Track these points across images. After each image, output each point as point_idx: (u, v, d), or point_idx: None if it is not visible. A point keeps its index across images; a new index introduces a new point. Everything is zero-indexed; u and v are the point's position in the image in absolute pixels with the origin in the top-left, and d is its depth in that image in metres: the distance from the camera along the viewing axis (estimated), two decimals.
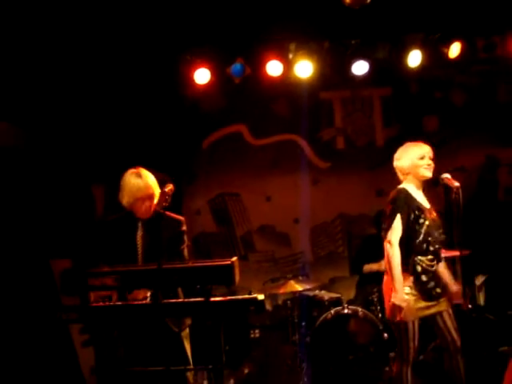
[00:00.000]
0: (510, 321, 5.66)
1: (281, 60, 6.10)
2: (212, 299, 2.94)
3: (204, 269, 3.02)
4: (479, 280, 6.34)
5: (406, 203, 3.80)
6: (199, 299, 2.97)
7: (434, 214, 3.92)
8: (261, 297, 2.93)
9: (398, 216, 3.76)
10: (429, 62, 6.21)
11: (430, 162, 3.88)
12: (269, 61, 6.08)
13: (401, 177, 3.96)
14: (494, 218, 6.51)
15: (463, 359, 3.87)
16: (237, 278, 2.93)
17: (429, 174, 3.87)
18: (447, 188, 3.84)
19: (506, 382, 1.11)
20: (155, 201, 3.66)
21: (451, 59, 6.14)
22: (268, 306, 6.19)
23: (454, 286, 3.97)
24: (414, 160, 3.86)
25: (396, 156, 3.96)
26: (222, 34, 5.76)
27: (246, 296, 3.05)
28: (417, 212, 3.80)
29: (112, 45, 5.58)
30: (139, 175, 3.67)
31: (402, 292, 3.71)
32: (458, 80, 6.85)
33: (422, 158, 3.86)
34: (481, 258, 6.12)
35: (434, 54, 6.17)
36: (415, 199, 3.86)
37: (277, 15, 5.53)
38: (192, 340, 3.75)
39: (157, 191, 3.66)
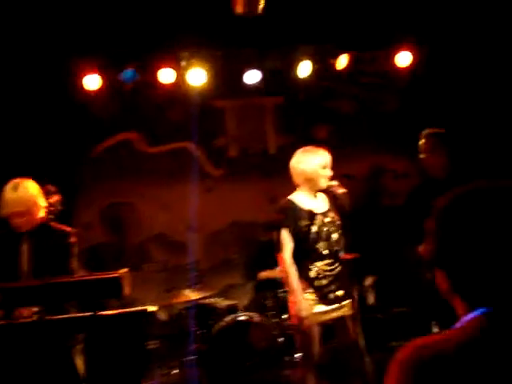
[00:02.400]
0: (396, 318, 5.96)
1: (173, 67, 6.07)
2: (100, 313, 2.84)
3: (92, 282, 2.93)
4: (369, 281, 6.61)
5: (290, 215, 3.82)
6: (86, 314, 2.87)
7: (332, 216, 3.90)
8: (152, 308, 2.88)
9: (284, 231, 3.81)
10: (318, 73, 6.42)
11: (330, 172, 3.88)
12: (161, 68, 6.04)
13: (296, 181, 3.93)
14: (380, 222, 6.82)
15: (369, 358, 3.96)
16: (126, 289, 2.86)
17: (326, 184, 3.87)
18: (335, 195, 3.94)
19: None
20: (39, 214, 3.52)
21: (339, 70, 6.39)
22: (164, 317, 6.10)
23: None
24: (316, 168, 3.84)
25: (297, 160, 3.89)
26: (114, 39, 5.64)
27: (137, 308, 3.00)
28: (301, 222, 3.81)
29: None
30: (16, 188, 3.50)
31: (301, 302, 3.76)
32: (346, 91, 7.10)
33: (324, 168, 3.85)
34: (370, 261, 6.40)
35: (324, 65, 6.40)
36: (302, 208, 3.86)
37: (170, 23, 5.50)
38: (87, 355, 3.62)
39: (36, 205, 3.51)
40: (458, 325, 1.27)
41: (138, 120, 6.76)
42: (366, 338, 4.13)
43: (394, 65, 6.44)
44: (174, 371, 5.49)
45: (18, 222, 3.50)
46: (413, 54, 6.35)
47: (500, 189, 1.27)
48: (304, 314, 3.76)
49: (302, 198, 3.90)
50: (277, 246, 3.87)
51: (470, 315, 1.25)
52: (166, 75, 6.06)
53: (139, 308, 2.96)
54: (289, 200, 3.89)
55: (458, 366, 1.18)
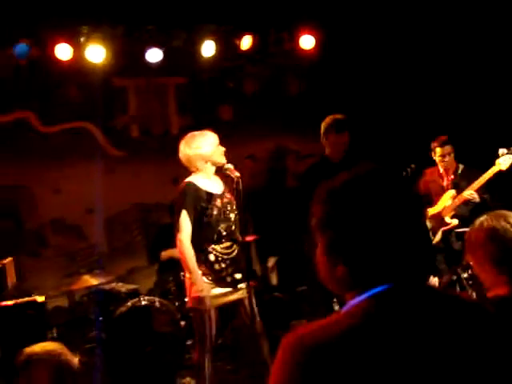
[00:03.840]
0: (299, 297, 6.10)
1: (71, 43, 5.80)
2: None
3: None
4: (271, 262, 6.70)
5: (191, 198, 3.83)
6: None
7: (228, 197, 3.97)
8: (41, 299, 2.74)
9: (184, 212, 3.81)
10: (222, 53, 6.36)
11: (223, 148, 3.96)
12: (57, 43, 5.75)
13: (191, 167, 3.94)
14: (283, 203, 6.88)
15: (267, 341, 4.00)
16: (10, 280, 2.70)
17: (224, 159, 3.95)
18: (231, 178, 3.94)
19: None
20: None
21: (243, 51, 6.36)
22: (65, 304, 5.88)
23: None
24: (212, 147, 3.89)
25: (189, 146, 3.90)
26: (6, 11, 5.30)
27: (24, 299, 2.85)
28: (203, 204, 3.85)
29: None
30: None
31: (200, 283, 3.77)
32: (250, 71, 7.08)
33: (218, 145, 3.93)
34: (273, 242, 6.47)
35: (227, 45, 6.34)
36: (202, 190, 3.88)
37: None
38: None
39: None
40: (344, 308, 1.26)
41: (33, 98, 6.38)
42: (270, 317, 4.17)
43: (298, 47, 6.49)
44: None
45: None
46: (315, 38, 6.43)
47: (385, 172, 1.28)
48: (204, 294, 3.77)
49: (200, 180, 3.92)
50: (175, 229, 3.87)
51: (358, 298, 1.24)
52: (62, 51, 5.78)
53: (28, 299, 2.82)
54: (189, 182, 3.89)
55: (345, 351, 1.16)
